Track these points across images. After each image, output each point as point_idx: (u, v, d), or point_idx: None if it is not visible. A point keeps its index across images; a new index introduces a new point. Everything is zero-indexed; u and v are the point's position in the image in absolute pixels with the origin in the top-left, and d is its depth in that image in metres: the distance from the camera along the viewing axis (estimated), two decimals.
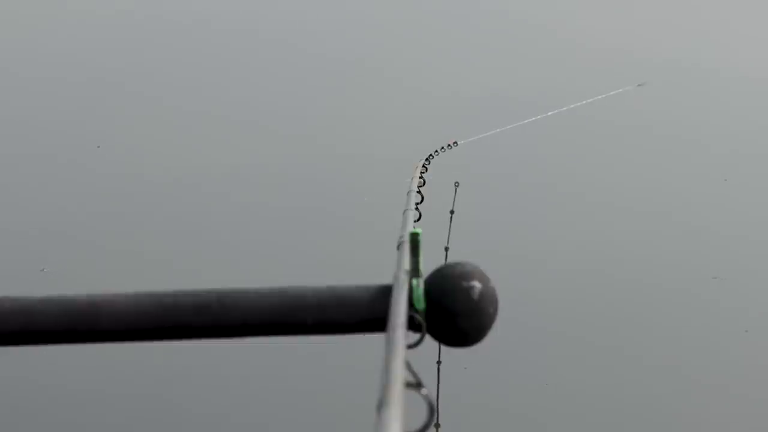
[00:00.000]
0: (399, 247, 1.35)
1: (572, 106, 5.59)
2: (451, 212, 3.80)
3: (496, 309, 1.27)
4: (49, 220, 6.93)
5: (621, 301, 6.07)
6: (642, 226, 6.82)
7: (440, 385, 3.08)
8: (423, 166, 3.28)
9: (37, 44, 9.37)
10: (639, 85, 6.66)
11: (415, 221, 1.78)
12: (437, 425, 3.06)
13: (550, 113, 5.43)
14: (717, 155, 7.64)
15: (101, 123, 8.17)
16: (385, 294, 1.24)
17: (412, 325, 1.22)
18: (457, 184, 3.82)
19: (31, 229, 6.83)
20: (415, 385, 1.06)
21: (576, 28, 9.40)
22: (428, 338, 1.24)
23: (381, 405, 0.93)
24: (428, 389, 1.08)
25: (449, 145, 4.09)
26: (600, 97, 5.85)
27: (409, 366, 1.06)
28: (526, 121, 5.14)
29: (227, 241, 6.66)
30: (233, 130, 8.06)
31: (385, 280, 1.27)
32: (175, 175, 7.40)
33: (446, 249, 3.53)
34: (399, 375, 0.99)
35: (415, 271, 1.24)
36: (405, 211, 1.82)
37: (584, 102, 5.65)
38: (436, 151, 3.78)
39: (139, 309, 1.26)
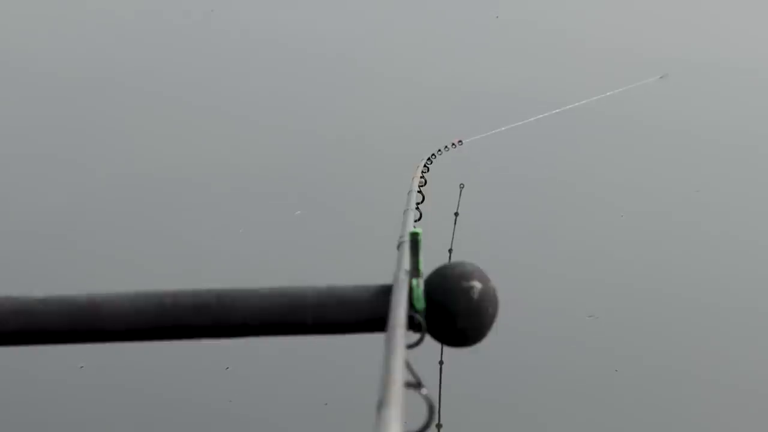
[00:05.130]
0: (399, 247, 1.35)
1: (577, 104, 5.58)
2: (456, 214, 3.79)
3: (496, 309, 1.27)
4: (49, 220, 6.93)
5: (622, 302, 6.07)
6: (645, 227, 6.82)
7: (442, 385, 3.08)
8: (424, 165, 3.28)
9: (37, 43, 9.38)
10: (646, 82, 6.66)
11: (415, 221, 1.79)
12: (439, 425, 3.06)
13: (555, 111, 5.42)
14: (734, 152, 7.62)
15: (101, 122, 8.18)
16: (385, 294, 1.25)
17: (412, 325, 1.23)
18: (462, 186, 3.82)
19: (30, 229, 6.84)
20: (415, 385, 1.06)
21: (585, 24, 9.40)
22: (430, 339, 1.25)
23: (381, 405, 0.93)
24: (428, 389, 1.08)
25: (454, 144, 4.09)
26: (605, 95, 5.85)
27: (409, 366, 1.06)
28: (532, 119, 5.13)
29: (227, 241, 6.66)
30: (233, 129, 8.07)
31: (385, 280, 1.27)
32: (175, 175, 7.40)
33: (450, 251, 3.53)
34: (399, 375, 0.99)
35: (415, 271, 1.24)
36: (405, 211, 1.82)
37: (590, 99, 5.65)
38: (440, 150, 3.78)
39: (139, 309, 1.26)
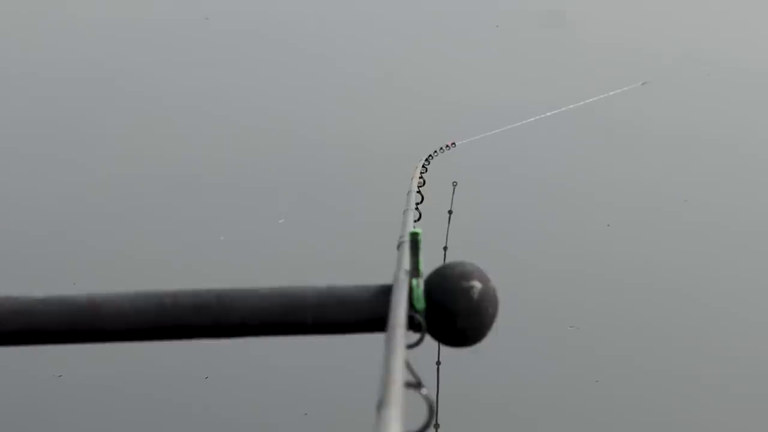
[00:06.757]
0: (399, 247, 1.35)
1: (571, 106, 5.59)
2: (449, 212, 3.79)
3: (496, 309, 1.27)
4: (49, 220, 6.93)
5: (619, 301, 6.07)
6: (638, 224, 6.82)
7: (440, 385, 3.08)
8: (423, 166, 3.28)
9: (36, 43, 9.38)
10: (644, 83, 6.66)
11: (415, 221, 1.78)
12: (437, 425, 3.05)
13: (548, 114, 5.43)
14: (721, 155, 7.62)
15: (101, 123, 8.17)
16: (385, 294, 1.24)
17: (412, 325, 1.22)
18: (455, 184, 3.81)
19: (30, 229, 6.83)
20: (415, 385, 1.06)
21: (576, 28, 9.40)
22: (428, 338, 1.24)
23: (381, 405, 0.93)
24: (428, 389, 1.08)
25: (447, 146, 4.08)
26: (601, 96, 5.85)
27: (409, 366, 1.06)
28: (523, 122, 5.14)
29: (227, 241, 6.66)
30: (233, 130, 8.06)
31: (385, 280, 1.27)
32: (175, 174, 7.39)
33: (445, 249, 3.52)
34: (399, 375, 0.99)
35: (415, 271, 1.24)
36: (405, 211, 1.82)
37: (583, 102, 5.65)
38: (435, 151, 3.78)
39: (139, 309, 1.26)
